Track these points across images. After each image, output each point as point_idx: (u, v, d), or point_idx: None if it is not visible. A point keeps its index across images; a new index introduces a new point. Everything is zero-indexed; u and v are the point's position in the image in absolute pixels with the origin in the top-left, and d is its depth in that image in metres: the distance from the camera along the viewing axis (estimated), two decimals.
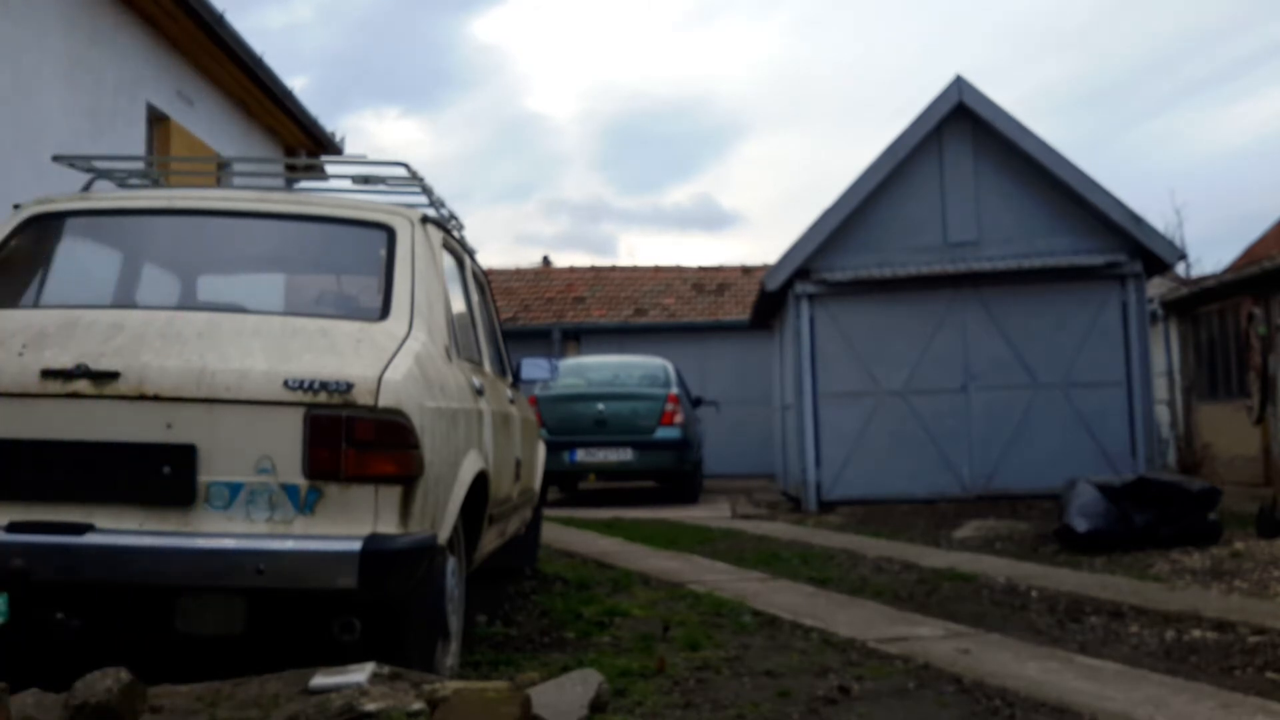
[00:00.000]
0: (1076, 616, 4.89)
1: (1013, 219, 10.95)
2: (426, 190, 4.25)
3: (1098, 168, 41.32)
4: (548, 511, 9.41)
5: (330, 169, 5.15)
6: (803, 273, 11.11)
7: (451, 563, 3.51)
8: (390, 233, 3.67)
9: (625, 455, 12.04)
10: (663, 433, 12.12)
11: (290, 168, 7.43)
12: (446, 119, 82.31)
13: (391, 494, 2.99)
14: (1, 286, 3.51)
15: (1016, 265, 10.74)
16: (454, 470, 3.41)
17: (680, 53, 77.10)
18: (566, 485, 13.24)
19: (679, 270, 21.16)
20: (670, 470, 12.38)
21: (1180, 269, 15.56)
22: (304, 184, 5.82)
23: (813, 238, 11.05)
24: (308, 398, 2.96)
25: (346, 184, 4.48)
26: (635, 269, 21.55)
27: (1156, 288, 14.80)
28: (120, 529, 2.93)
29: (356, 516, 2.96)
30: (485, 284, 5.11)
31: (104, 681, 2.55)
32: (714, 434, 16.60)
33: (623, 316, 19.37)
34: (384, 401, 2.98)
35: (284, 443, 2.95)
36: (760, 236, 58.47)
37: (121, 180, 4.41)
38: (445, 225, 4.23)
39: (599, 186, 72.46)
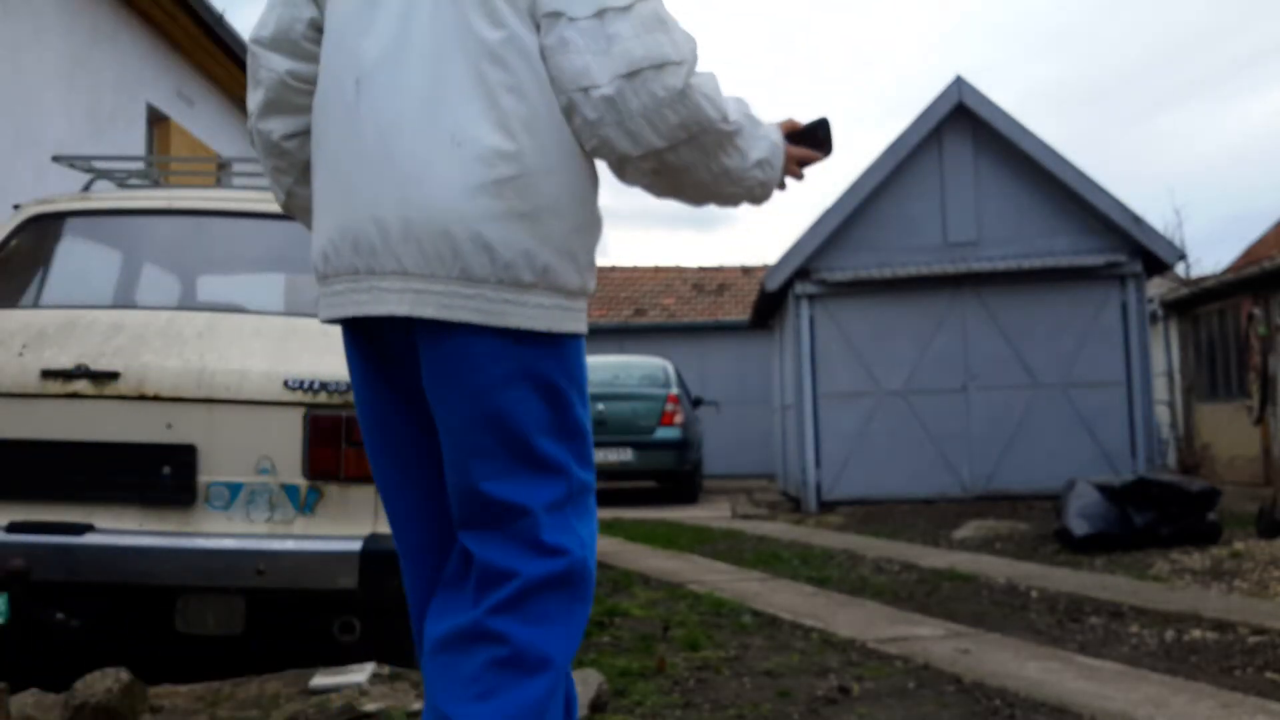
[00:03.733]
0: (1076, 616, 4.89)
1: (1012, 219, 10.95)
2: None
3: (1097, 168, 41.39)
4: None
5: None
6: (803, 273, 11.11)
7: None
8: None
9: (625, 455, 12.04)
10: (663, 433, 12.12)
11: None
12: None
13: None
14: (1, 286, 3.51)
15: (1016, 265, 10.74)
16: None
17: None
18: None
19: (679, 270, 21.17)
20: (670, 470, 12.38)
21: (1180, 269, 15.53)
22: None
23: (813, 238, 11.05)
24: (308, 398, 2.96)
25: None
26: (635, 269, 21.55)
27: (1156, 288, 14.80)
28: (120, 529, 2.94)
29: (356, 517, 2.97)
30: None
31: (104, 681, 2.55)
32: (714, 434, 16.60)
33: (623, 316, 19.38)
34: None
35: (284, 443, 2.95)
36: (752, 235, 58.49)
37: (121, 180, 4.41)
38: None
39: None
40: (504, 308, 1.45)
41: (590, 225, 1.54)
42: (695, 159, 1.52)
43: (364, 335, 1.59)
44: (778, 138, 1.64)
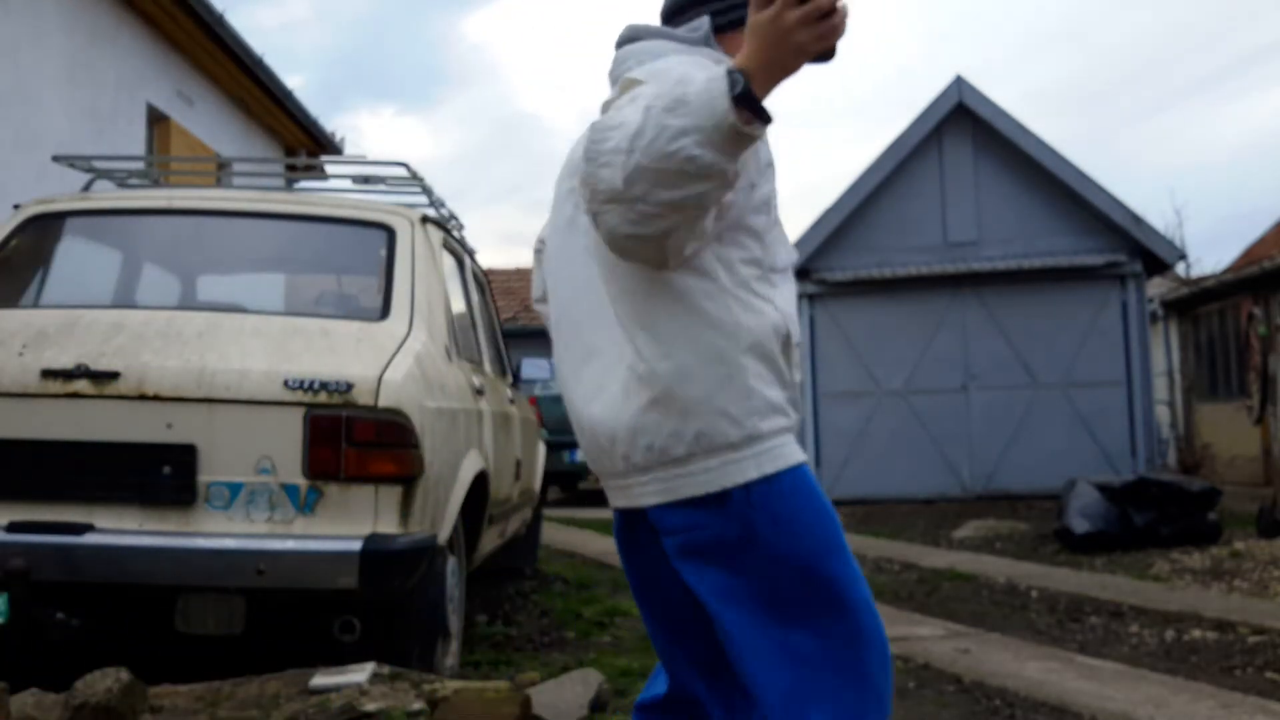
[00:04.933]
0: (1076, 616, 4.89)
1: (1013, 219, 10.95)
2: (426, 190, 4.25)
3: (1097, 167, 41.26)
4: (548, 511, 9.41)
5: (330, 169, 5.14)
6: (803, 273, 11.10)
7: (451, 563, 3.50)
8: (390, 233, 3.67)
9: None
10: None
11: (290, 168, 7.43)
12: (443, 117, 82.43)
13: (391, 494, 2.99)
14: (2, 286, 3.51)
15: (1016, 265, 10.73)
16: (454, 470, 3.41)
17: None
18: (567, 485, 13.22)
19: None
20: None
21: (1180, 269, 15.52)
22: (304, 184, 5.82)
23: (813, 238, 11.05)
24: (308, 398, 2.95)
25: (346, 184, 4.48)
26: None
27: (1156, 288, 14.79)
28: (120, 529, 2.93)
29: (356, 516, 2.96)
30: (485, 284, 5.11)
31: (104, 681, 2.55)
32: None
33: None
34: (384, 401, 2.98)
35: (284, 443, 2.95)
36: None
37: (121, 180, 4.41)
38: (445, 225, 4.23)
39: None
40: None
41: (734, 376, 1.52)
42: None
43: None
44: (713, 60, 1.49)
